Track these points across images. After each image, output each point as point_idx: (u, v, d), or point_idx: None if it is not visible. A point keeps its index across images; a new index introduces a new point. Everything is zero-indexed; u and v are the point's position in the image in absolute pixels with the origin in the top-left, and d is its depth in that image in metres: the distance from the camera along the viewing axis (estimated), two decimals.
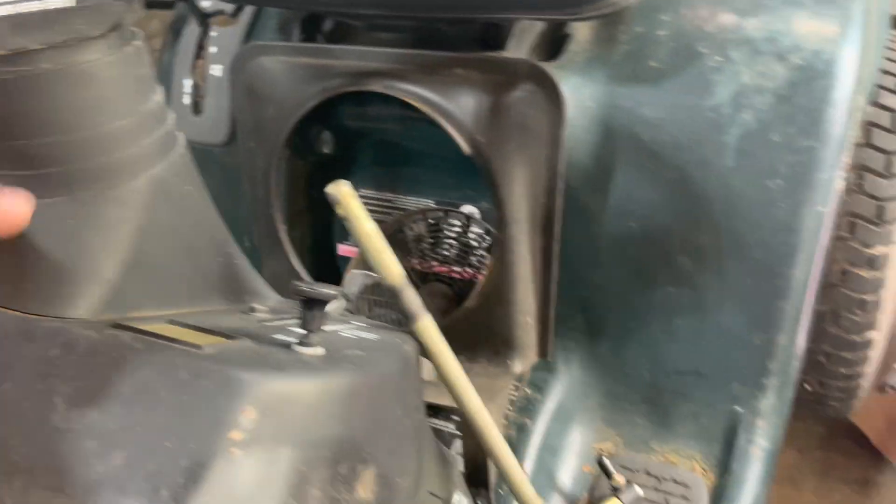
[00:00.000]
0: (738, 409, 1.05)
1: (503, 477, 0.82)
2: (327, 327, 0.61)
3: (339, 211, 0.63)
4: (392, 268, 0.66)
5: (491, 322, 1.06)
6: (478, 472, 0.97)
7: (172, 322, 0.55)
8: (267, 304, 0.69)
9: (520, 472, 0.83)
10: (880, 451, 1.41)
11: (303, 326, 0.54)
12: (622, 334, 1.11)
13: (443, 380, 0.75)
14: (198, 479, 0.44)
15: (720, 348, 1.05)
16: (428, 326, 0.69)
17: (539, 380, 1.13)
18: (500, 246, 1.02)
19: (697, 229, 1.01)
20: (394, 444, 0.59)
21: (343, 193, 0.62)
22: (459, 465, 0.92)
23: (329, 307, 0.66)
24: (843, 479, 1.44)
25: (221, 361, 0.48)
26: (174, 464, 0.43)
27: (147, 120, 0.54)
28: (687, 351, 1.07)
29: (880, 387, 1.34)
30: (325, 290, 0.53)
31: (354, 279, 0.71)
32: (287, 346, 0.54)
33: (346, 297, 0.70)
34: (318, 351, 0.54)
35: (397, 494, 0.58)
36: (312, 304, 0.53)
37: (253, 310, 0.65)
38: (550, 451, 1.09)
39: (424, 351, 0.70)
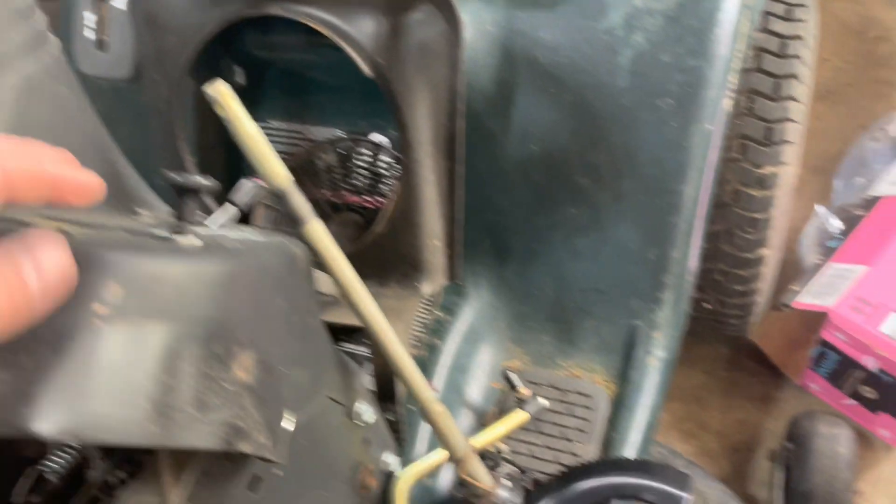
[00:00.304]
0: (636, 322, 1.11)
1: (408, 388, 0.86)
2: (214, 232, 0.62)
3: (220, 112, 0.63)
4: (276, 170, 0.67)
5: (399, 246, 1.08)
6: (386, 386, 1.00)
7: (46, 217, 0.55)
8: (156, 214, 0.70)
9: (424, 385, 0.86)
10: (779, 368, 1.50)
11: (177, 216, 0.55)
12: (527, 256, 1.15)
13: (338, 286, 0.77)
14: (62, 351, 0.45)
15: (618, 265, 1.10)
16: (317, 230, 0.71)
17: (450, 303, 1.16)
18: (405, 170, 1.04)
19: (594, 149, 1.05)
20: (278, 335, 0.61)
21: (222, 93, 0.62)
22: (366, 380, 0.95)
23: (219, 217, 0.68)
24: (747, 396, 1.53)
25: (90, 245, 0.49)
26: (40, 337, 0.45)
27: (10, 15, 0.54)
28: (588, 269, 1.11)
29: (776, 306, 1.42)
30: (198, 178, 0.54)
31: (244, 187, 0.72)
32: (162, 238, 0.55)
33: (233, 203, 0.71)
34: (194, 240, 0.55)
35: (279, 381, 0.60)
36: (185, 193, 0.54)
37: (137, 213, 0.65)
38: (460, 369, 1.12)
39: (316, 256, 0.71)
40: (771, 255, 1.25)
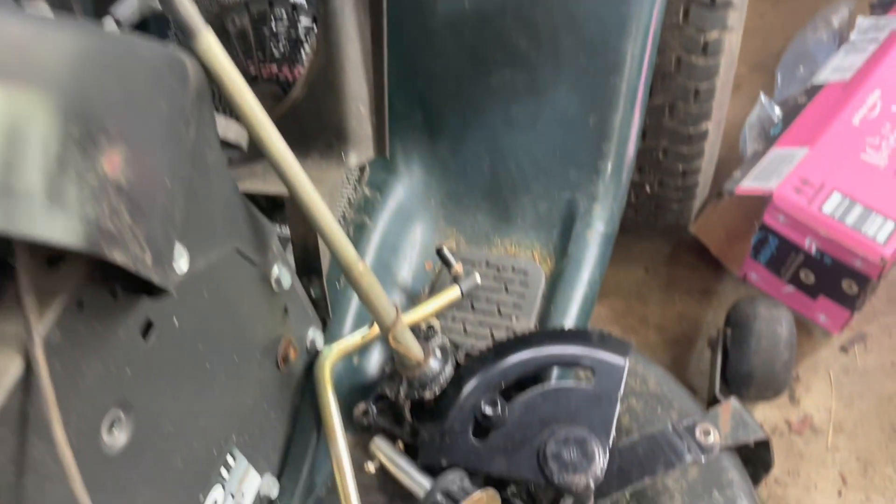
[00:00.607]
0: (575, 195, 1.05)
1: (330, 250, 0.78)
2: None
3: None
4: None
5: (320, 111, 0.99)
6: (309, 259, 0.92)
7: None
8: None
9: (348, 245, 0.78)
10: (720, 260, 1.48)
11: None
12: (461, 128, 1.07)
13: (244, 123, 0.69)
14: None
15: (556, 133, 1.03)
16: (211, 46, 0.62)
17: (379, 181, 1.08)
18: (323, 25, 0.95)
19: (531, 4, 0.97)
20: (158, 138, 0.53)
21: None
22: (275, 240, 0.85)
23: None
24: (686, 290, 1.51)
25: None
26: None
27: None
28: (525, 139, 1.05)
29: (718, 193, 1.38)
30: None
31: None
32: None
33: (116, 20, 0.62)
34: (45, 10, 0.46)
35: (162, 193, 0.52)
36: None
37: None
38: (391, 249, 1.05)
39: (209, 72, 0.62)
40: (713, 132, 1.20)
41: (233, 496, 0.80)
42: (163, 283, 0.52)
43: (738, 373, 1.24)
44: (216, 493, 0.77)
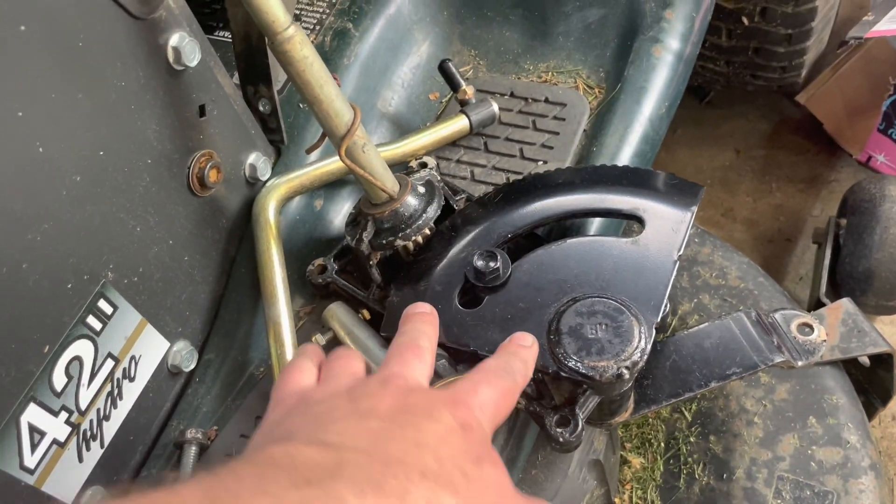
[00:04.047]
0: None
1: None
2: None
3: None
4: None
5: None
6: (252, 57, 0.67)
7: None
8: None
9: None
10: (835, 139, 1.15)
11: None
12: None
13: None
14: None
15: None
16: None
17: None
18: None
19: None
20: None
21: None
22: None
23: None
24: (787, 177, 1.19)
25: None
26: None
27: None
28: None
29: (841, 43, 1.04)
30: None
31: None
32: None
33: None
34: None
35: None
36: None
37: None
38: (380, 68, 0.79)
39: None
40: None
41: (114, 358, 0.57)
42: None
43: (853, 272, 0.93)
44: (80, 348, 0.54)
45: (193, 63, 0.56)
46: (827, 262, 0.94)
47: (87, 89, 0.49)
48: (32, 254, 0.48)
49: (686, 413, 0.80)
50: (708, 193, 1.21)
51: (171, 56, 0.55)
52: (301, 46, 0.53)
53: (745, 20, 0.93)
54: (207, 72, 0.59)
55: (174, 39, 0.55)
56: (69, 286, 0.52)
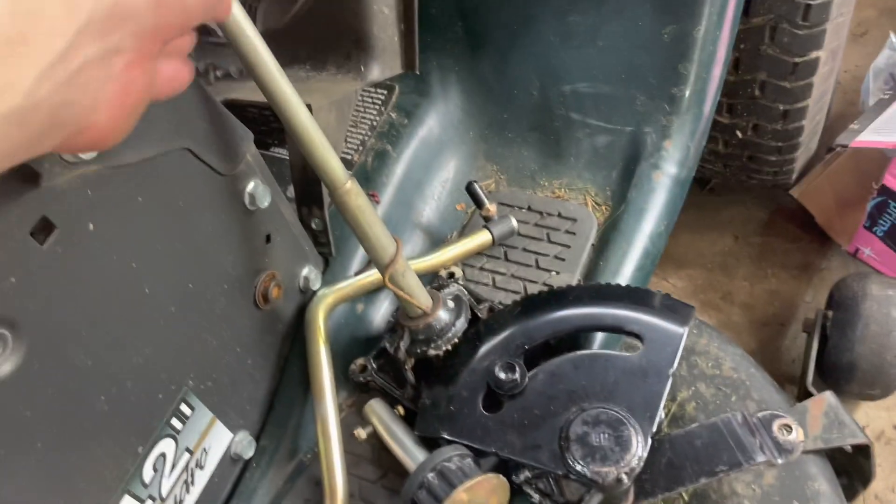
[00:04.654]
0: (641, 128, 0.86)
1: (323, 181, 0.63)
2: None
3: None
4: None
5: (338, 15, 0.84)
6: (307, 185, 0.78)
7: None
8: None
9: (333, 158, 0.63)
10: (826, 231, 1.25)
11: None
12: (508, 44, 0.90)
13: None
14: None
15: (622, 50, 0.84)
16: None
17: (409, 104, 0.93)
18: None
19: None
20: None
21: None
22: (251, 150, 0.71)
23: None
24: (782, 264, 1.28)
25: None
26: None
27: None
28: (584, 59, 0.86)
29: (829, 149, 1.15)
30: None
31: None
32: None
33: None
34: None
35: None
36: None
37: None
38: (415, 183, 0.90)
39: None
40: (825, 65, 0.97)
41: (189, 451, 0.67)
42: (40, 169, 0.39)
43: (838, 363, 1.02)
44: (164, 446, 0.64)
45: (265, 205, 0.67)
46: (814, 352, 1.04)
47: (183, 238, 0.60)
48: (135, 373, 0.59)
49: (684, 494, 0.89)
50: (709, 277, 1.31)
51: (247, 200, 0.66)
52: (356, 197, 0.63)
53: (739, 133, 1.04)
54: (274, 208, 0.70)
55: (250, 187, 0.66)
56: (160, 396, 0.62)
